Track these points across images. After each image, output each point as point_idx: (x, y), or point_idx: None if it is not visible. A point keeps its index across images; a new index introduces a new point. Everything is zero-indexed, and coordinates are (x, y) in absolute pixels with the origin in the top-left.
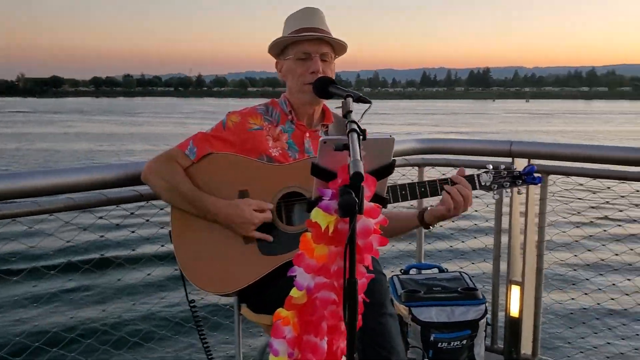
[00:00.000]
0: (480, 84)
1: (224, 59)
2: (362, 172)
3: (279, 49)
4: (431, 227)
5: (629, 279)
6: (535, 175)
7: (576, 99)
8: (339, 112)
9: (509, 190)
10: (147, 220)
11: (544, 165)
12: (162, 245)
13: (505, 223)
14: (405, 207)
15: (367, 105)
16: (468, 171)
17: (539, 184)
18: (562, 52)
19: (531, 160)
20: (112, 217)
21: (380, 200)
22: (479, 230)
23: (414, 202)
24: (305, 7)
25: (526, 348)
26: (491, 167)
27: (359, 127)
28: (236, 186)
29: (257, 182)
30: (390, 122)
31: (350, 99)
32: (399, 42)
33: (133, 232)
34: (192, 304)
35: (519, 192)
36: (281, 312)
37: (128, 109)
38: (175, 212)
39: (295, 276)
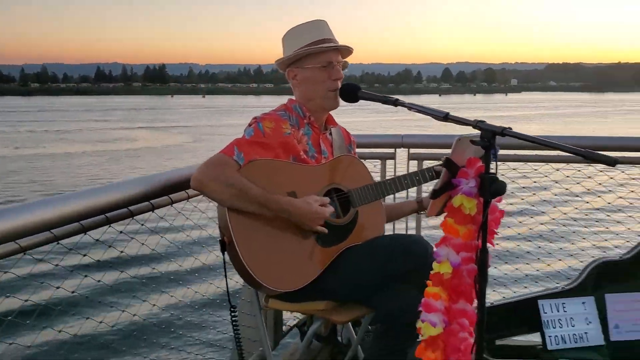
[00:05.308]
0: (158, 79)
1: None
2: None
3: (296, 59)
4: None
5: None
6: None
7: (247, 95)
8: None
9: None
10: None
11: (421, 154)
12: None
13: None
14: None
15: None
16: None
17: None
18: (231, 50)
19: (410, 149)
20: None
21: None
22: None
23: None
24: (315, 20)
25: None
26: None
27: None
28: (284, 188)
29: (301, 183)
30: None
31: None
32: (69, 35)
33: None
34: (232, 310)
35: None
36: (430, 289)
37: None
38: (233, 218)
39: (439, 256)
